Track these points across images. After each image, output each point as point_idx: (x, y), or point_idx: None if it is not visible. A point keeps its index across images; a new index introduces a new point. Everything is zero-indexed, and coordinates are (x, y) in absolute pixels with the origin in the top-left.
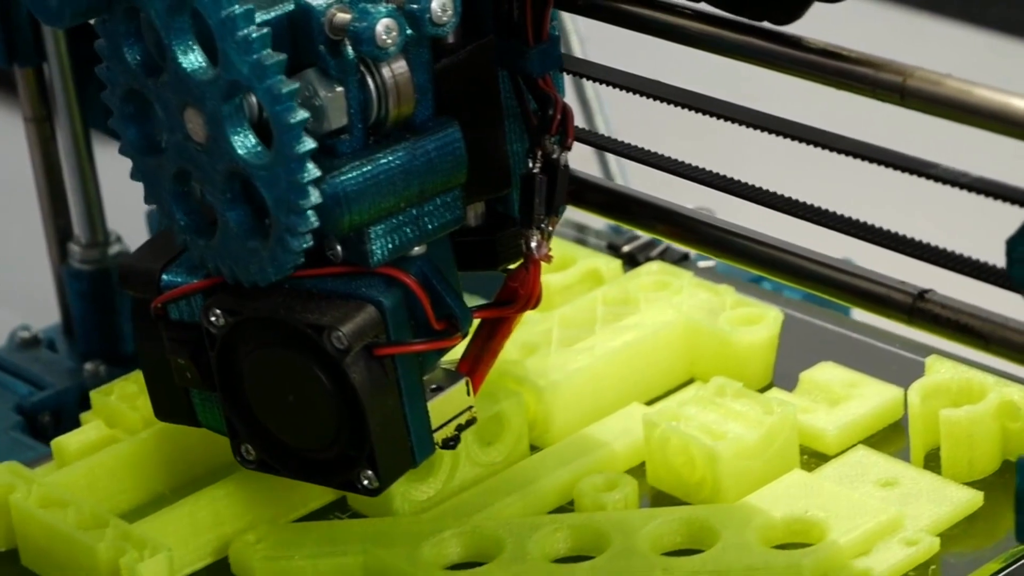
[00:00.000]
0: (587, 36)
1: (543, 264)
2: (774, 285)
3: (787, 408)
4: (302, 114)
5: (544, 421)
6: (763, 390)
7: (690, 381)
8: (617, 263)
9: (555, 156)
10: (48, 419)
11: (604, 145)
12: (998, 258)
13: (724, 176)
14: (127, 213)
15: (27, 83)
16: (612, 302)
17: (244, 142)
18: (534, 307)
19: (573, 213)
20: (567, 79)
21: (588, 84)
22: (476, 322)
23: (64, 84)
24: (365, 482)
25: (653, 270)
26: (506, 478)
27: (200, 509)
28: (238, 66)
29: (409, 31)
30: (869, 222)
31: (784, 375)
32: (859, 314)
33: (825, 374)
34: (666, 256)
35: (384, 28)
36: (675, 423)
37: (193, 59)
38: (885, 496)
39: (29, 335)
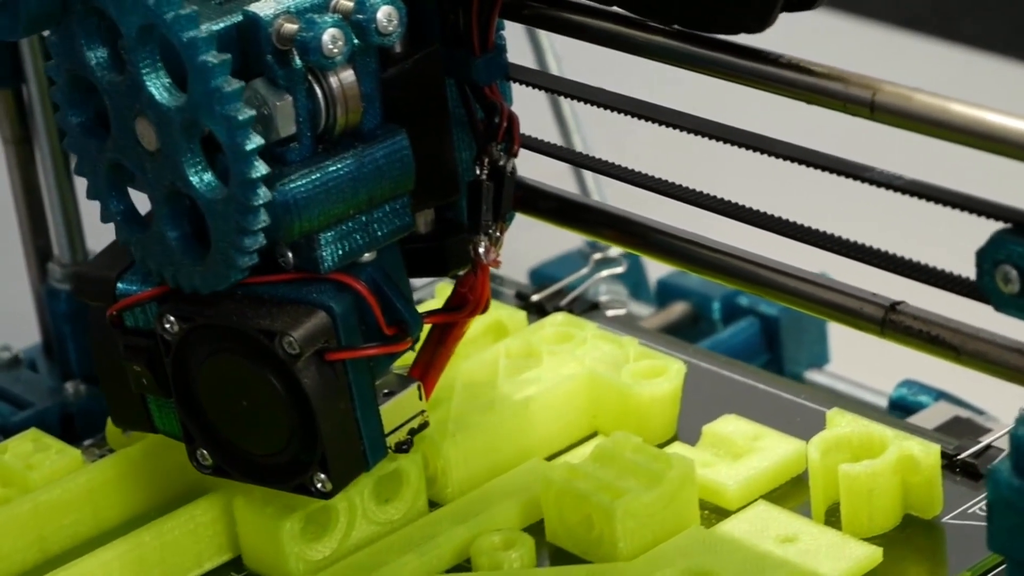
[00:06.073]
0: (563, 54)
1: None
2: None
3: (685, 464)
4: (249, 112)
5: (443, 477)
6: (666, 443)
7: (594, 434)
8: (522, 315)
9: (501, 163)
10: None
11: (580, 162)
12: (969, 270)
13: (700, 192)
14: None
15: (6, 105)
16: (515, 355)
17: (163, 87)
18: (483, 312)
19: None
20: (544, 96)
21: (565, 101)
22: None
23: (43, 105)
24: (319, 485)
25: (557, 321)
26: (403, 536)
27: (91, 572)
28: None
29: (356, 41)
30: (841, 235)
31: (688, 427)
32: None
33: (728, 427)
34: (575, 305)
35: (330, 38)
36: (571, 480)
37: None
38: (784, 552)
39: (10, 355)
